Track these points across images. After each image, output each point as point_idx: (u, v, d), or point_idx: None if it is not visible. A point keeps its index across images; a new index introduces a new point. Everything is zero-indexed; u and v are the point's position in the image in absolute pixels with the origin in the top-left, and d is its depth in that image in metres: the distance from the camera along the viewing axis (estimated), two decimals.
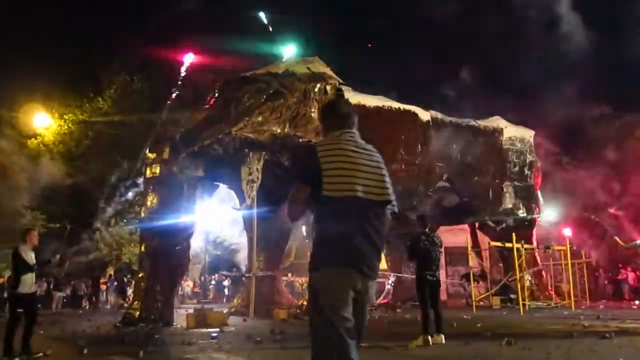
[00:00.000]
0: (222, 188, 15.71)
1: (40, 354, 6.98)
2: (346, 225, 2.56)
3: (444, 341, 7.45)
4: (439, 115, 16.14)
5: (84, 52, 24.45)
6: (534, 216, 17.73)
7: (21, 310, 7.07)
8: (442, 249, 8.31)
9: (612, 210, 20.88)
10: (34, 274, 7.17)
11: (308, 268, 2.65)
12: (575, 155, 21.88)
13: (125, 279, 22.36)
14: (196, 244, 17.42)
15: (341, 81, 13.84)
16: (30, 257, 7.13)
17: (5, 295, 19.91)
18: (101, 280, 23.03)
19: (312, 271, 2.63)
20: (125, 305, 21.06)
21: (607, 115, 22.72)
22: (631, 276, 20.06)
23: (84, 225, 22.85)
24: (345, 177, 2.58)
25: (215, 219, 19.36)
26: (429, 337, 7.38)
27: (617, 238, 10.56)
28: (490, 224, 17.51)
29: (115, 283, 22.05)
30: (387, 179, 2.73)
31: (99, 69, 25.22)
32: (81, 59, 24.53)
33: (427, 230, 7.95)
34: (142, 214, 12.52)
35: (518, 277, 14.54)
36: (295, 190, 2.65)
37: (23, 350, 6.88)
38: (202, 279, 27.10)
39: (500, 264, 19.19)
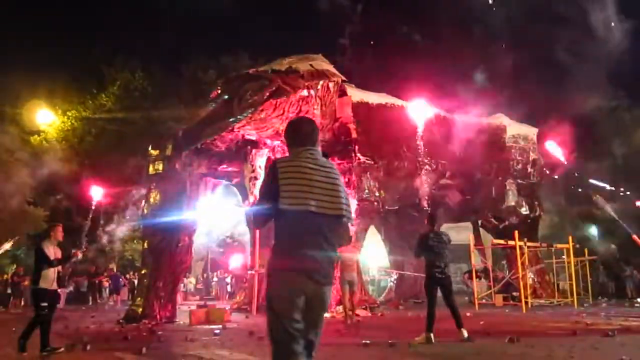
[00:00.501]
0: (225, 185, 15.71)
1: (62, 349, 7.04)
2: (299, 236, 2.82)
3: (466, 335, 7.44)
4: (442, 112, 16.12)
5: (87, 49, 24.50)
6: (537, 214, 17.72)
7: (46, 304, 6.99)
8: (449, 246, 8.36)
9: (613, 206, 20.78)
10: (55, 270, 7.10)
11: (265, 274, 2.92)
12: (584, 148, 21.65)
13: (121, 278, 22.38)
14: (199, 240, 17.43)
15: (344, 78, 13.82)
16: (53, 252, 7.07)
17: (9, 291, 20.07)
18: (103, 278, 23.06)
19: (267, 277, 2.95)
20: (112, 302, 21.23)
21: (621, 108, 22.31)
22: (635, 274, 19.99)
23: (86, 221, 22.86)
24: (299, 192, 2.80)
25: (218, 216, 19.38)
26: (432, 335, 7.41)
27: (635, 237, 10.41)
28: (493, 221, 17.49)
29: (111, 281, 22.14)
30: (342, 194, 2.91)
31: (102, 66, 25.23)
32: (84, 56, 24.56)
33: (435, 228, 8.03)
34: (145, 211, 12.52)
35: (521, 275, 14.52)
36: (257, 203, 2.95)
37: (43, 348, 6.88)
38: (205, 275, 27.15)
39: (503, 262, 19.19)
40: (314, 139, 3.02)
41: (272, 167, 2.91)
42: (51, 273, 7.03)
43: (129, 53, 25.41)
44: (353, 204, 2.53)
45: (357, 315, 11.69)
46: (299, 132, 3.06)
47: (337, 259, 2.98)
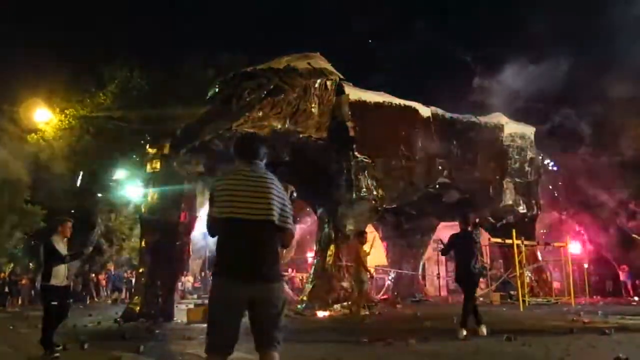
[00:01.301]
0: None
1: (60, 347, 6.84)
2: (231, 242, 3.18)
3: (464, 334, 7.62)
4: (440, 112, 16.13)
5: (86, 47, 24.38)
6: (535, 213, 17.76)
7: (55, 303, 6.79)
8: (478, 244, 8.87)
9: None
10: (66, 266, 6.91)
11: None
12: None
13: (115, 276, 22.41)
14: (197, 239, 17.43)
15: (342, 77, 13.83)
16: (62, 248, 6.88)
17: (6, 289, 20.04)
18: (101, 276, 23.07)
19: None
20: (109, 301, 21.24)
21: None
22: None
23: (84, 220, 22.86)
24: (228, 202, 3.18)
25: None
26: (484, 327, 7.83)
27: (635, 236, 10.51)
28: (491, 219, 17.51)
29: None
30: (274, 202, 3.21)
31: (101, 64, 25.12)
32: (83, 54, 24.43)
33: (468, 229, 8.37)
34: (143, 210, 12.50)
35: (518, 274, 14.55)
36: (207, 215, 3.35)
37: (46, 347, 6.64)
38: (203, 274, 27.16)
39: (501, 260, 19.22)
40: (254, 154, 3.37)
41: (212, 184, 3.35)
42: (62, 269, 6.83)
43: (128, 51, 25.33)
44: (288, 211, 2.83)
45: (365, 313, 11.60)
46: (239, 149, 3.44)
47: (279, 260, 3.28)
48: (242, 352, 6.59)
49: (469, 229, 8.38)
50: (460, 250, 8.11)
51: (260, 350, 3.22)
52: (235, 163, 3.44)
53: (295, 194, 3.54)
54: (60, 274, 6.84)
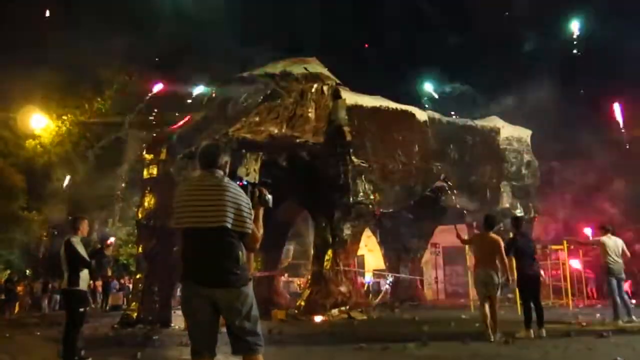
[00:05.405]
0: None
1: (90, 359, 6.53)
2: (189, 250, 3.29)
3: (544, 334, 7.83)
4: (436, 115, 16.16)
5: (84, 52, 24.32)
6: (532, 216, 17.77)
7: (82, 310, 6.37)
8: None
9: None
10: (87, 270, 6.42)
11: None
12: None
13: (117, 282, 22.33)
14: None
15: (338, 81, 13.86)
16: (82, 250, 6.37)
17: (3, 296, 19.91)
18: (97, 282, 22.95)
19: None
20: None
21: None
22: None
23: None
24: (181, 212, 3.32)
25: None
26: (531, 331, 7.89)
27: (571, 237, 10.97)
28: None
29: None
30: (228, 208, 3.19)
31: (99, 69, 25.08)
32: (81, 59, 24.37)
33: (520, 230, 8.92)
34: (140, 215, 12.48)
35: (515, 277, 14.51)
36: None
37: (71, 357, 6.24)
38: None
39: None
40: (212, 162, 3.38)
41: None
42: (87, 273, 6.44)
43: (126, 56, 25.29)
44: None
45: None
46: (198, 158, 3.49)
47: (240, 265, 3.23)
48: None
49: (521, 230, 8.93)
50: (522, 252, 8.39)
51: (236, 354, 3.22)
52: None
53: (268, 197, 3.49)
54: (87, 278, 6.47)
